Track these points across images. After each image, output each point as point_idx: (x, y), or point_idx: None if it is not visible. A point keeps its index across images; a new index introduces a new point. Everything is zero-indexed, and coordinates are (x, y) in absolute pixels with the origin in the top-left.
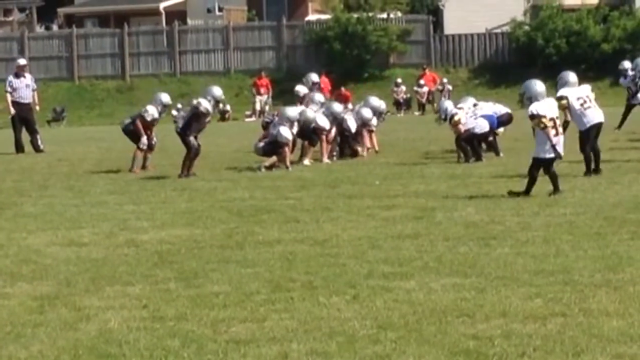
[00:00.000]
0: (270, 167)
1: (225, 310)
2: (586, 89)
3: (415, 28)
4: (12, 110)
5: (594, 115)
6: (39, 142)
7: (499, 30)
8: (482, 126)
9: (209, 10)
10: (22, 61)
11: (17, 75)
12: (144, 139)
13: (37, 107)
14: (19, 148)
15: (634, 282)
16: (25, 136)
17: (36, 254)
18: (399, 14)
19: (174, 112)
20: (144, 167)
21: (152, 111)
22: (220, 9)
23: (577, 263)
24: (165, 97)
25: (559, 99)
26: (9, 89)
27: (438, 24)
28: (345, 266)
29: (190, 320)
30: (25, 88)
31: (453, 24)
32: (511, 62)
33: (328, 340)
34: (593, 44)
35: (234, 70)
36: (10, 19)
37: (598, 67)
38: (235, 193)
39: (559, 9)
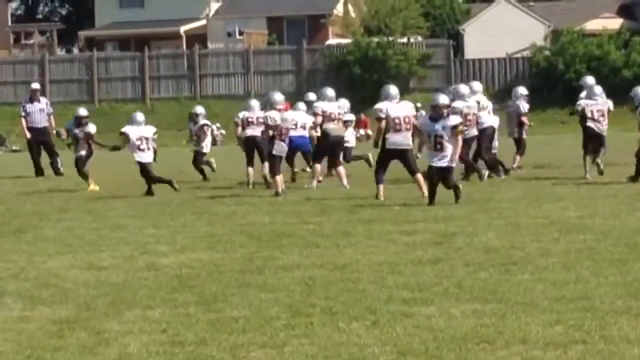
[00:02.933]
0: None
1: (244, 335)
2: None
3: (435, 52)
4: (28, 135)
5: (396, 139)
6: (59, 164)
7: (519, 55)
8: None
9: (229, 34)
10: (35, 85)
11: (32, 100)
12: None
13: (54, 132)
14: (38, 171)
15: None
16: (44, 158)
17: (56, 277)
18: (419, 38)
19: None
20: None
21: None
22: (240, 33)
23: (597, 290)
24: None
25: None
26: (23, 114)
27: (458, 49)
28: (365, 291)
29: (209, 345)
30: (39, 112)
31: (473, 49)
32: (532, 87)
33: None
34: (614, 70)
35: (255, 94)
36: (31, 42)
37: (619, 93)
38: (255, 217)
39: (579, 34)
